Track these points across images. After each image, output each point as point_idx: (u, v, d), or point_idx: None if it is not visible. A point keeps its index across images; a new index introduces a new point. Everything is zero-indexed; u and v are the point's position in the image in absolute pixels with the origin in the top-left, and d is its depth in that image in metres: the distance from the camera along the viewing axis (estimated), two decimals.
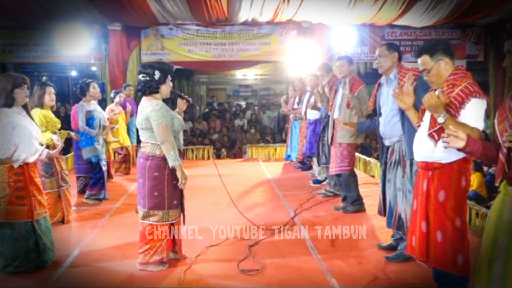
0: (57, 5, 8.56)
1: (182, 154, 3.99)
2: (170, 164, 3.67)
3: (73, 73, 13.66)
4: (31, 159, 3.76)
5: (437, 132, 2.93)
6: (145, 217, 3.81)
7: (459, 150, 2.58)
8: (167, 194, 3.77)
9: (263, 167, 9.25)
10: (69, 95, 12.45)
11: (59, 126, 5.24)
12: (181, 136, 3.95)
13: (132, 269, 3.87)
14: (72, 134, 5.85)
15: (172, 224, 3.90)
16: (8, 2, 8.53)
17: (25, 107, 3.91)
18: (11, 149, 3.63)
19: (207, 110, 15.54)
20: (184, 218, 4.01)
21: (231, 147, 12.34)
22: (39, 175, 4.04)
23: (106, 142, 6.80)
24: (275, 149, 10.78)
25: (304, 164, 8.46)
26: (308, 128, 7.29)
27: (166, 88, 3.81)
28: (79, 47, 9.73)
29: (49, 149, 4.37)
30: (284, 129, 12.34)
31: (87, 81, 6.24)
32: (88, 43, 9.98)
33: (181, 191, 3.90)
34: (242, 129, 13.66)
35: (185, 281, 3.65)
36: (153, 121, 3.64)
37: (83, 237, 4.79)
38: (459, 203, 3.00)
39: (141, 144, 3.87)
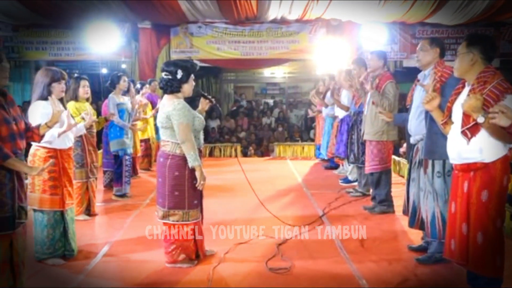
0: (89, 3, 8.71)
1: (202, 154, 3.99)
2: (190, 164, 3.66)
3: (104, 71, 13.86)
4: (64, 128, 3.83)
5: (470, 130, 2.93)
6: (164, 216, 3.80)
7: (503, 128, 2.63)
8: (188, 193, 3.75)
9: (290, 165, 9.22)
10: (100, 92, 12.63)
11: (94, 118, 5.38)
12: (201, 136, 3.93)
13: (162, 264, 3.92)
14: (111, 116, 5.89)
15: (194, 224, 3.88)
16: (42, 1, 8.72)
17: (61, 100, 4.05)
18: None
19: (234, 108, 15.59)
20: (202, 218, 4.01)
21: (258, 145, 12.35)
22: (72, 166, 4.19)
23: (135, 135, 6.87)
24: (303, 148, 10.76)
25: (332, 163, 8.41)
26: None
27: (188, 88, 3.79)
28: (109, 45, 9.87)
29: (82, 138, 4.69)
30: (312, 126, 12.31)
31: (118, 74, 6.36)
32: (118, 41, 10.11)
33: (201, 191, 3.89)
34: (270, 127, 13.65)
35: (214, 277, 3.68)
36: (174, 121, 3.64)
37: (114, 230, 4.87)
38: (501, 202, 2.97)
39: (161, 143, 3.87)
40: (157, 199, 3.87)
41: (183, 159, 3.70)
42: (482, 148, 2.91)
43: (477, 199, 2.97)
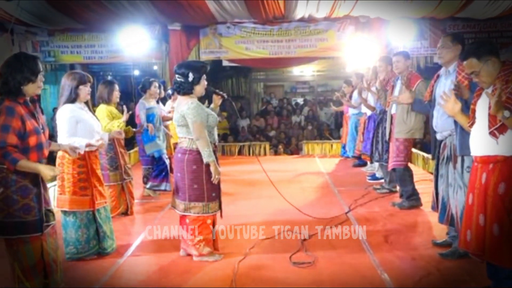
0: (121, 7, 8.96)
1: (217, 148, 4.14)
2: (205, 160, 3.83)
3: (136, 72, 14.17)
4: (93, 142, 4.01)
5: (498, 130, 2.94)
6: (186, 209, 3.96)
7: None
8: (206, 186, 3.92)
9: (318, 163, 9.25)
10: (132, 94, 12.94)
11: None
12: (215, 131, 4.09)
13: (188, 258, 4.06)
14: (140, 130, 6.11)
15: (213, 216, 4.05)
16: (76, 6, 9.01)
17: (87, 103, 4.22)
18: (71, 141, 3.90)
19: (264, 107, 15.67)
20: (221, 212, 4.13)
21: (287, 144, 12.40)
22: (102, 168, 4.35)
23: (168, 136, 7.02)
24: (331, 146, 10.75)
25: (361, 160, 8.40)
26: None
27: (200, 88, 3.97)
28: (141, 47, 10.08)
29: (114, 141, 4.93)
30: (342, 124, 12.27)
31: (150, 79, 6.52)
32: (149, 43, 10.33)
33: (219, 185, 4.03)
34: (299, 126, 13.67)
35: (239, 270, 3.79)
36: (189, 119, 3.83)
37: (144, 228, 5.00)
38: None
39: (179, 140, 4.05)
40: (177, 194, 4.03)
41: (200, 153, 3.86)
42: (504, 142, 2.91)
43: (493, 192, 2.97)
